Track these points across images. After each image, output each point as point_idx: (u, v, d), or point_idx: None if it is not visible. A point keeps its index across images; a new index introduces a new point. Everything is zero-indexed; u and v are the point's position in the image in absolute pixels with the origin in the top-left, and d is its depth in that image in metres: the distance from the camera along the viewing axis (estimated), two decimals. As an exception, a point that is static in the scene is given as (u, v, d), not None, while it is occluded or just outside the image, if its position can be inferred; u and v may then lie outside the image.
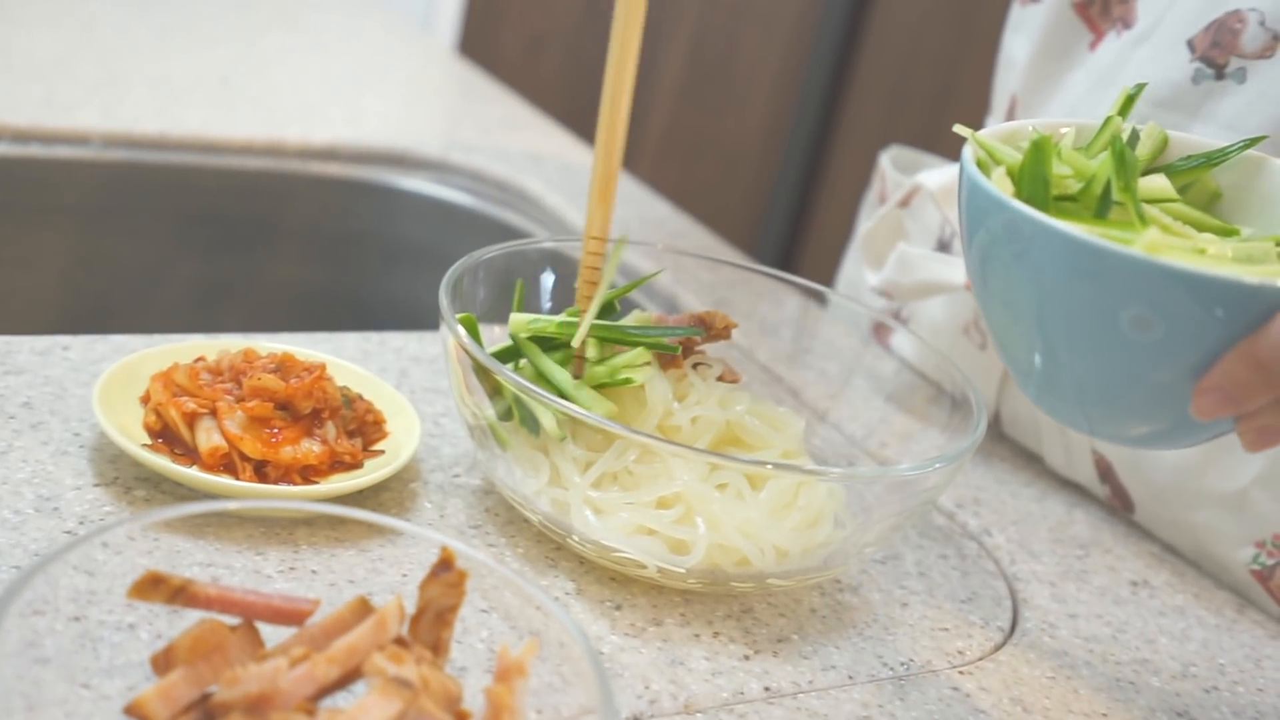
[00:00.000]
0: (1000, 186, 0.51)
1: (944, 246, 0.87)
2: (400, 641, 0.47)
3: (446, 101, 1.42)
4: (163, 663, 0.46)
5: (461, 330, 0.63)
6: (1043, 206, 0.52)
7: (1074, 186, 0.54)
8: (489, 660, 0.54)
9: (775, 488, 0.62)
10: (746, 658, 0.61)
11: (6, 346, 0.70)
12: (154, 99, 1.12)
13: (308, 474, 0.63)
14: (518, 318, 0.67)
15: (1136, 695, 0.66)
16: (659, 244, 0.84)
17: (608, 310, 0.68)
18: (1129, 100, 0.58)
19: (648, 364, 0.64)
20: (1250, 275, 0.47)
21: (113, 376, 0.65)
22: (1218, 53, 0.73)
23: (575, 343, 0.65)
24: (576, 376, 0.65)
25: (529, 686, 0.46)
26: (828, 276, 1.10)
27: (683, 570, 0.61)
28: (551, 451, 0.63)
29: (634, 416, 0.65)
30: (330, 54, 1.41)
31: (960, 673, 0.64)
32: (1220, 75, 0.73)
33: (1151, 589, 0.75)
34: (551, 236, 1.03)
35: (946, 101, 1.66)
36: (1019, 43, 0.88)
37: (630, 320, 0.68)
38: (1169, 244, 0.49)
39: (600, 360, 0.65)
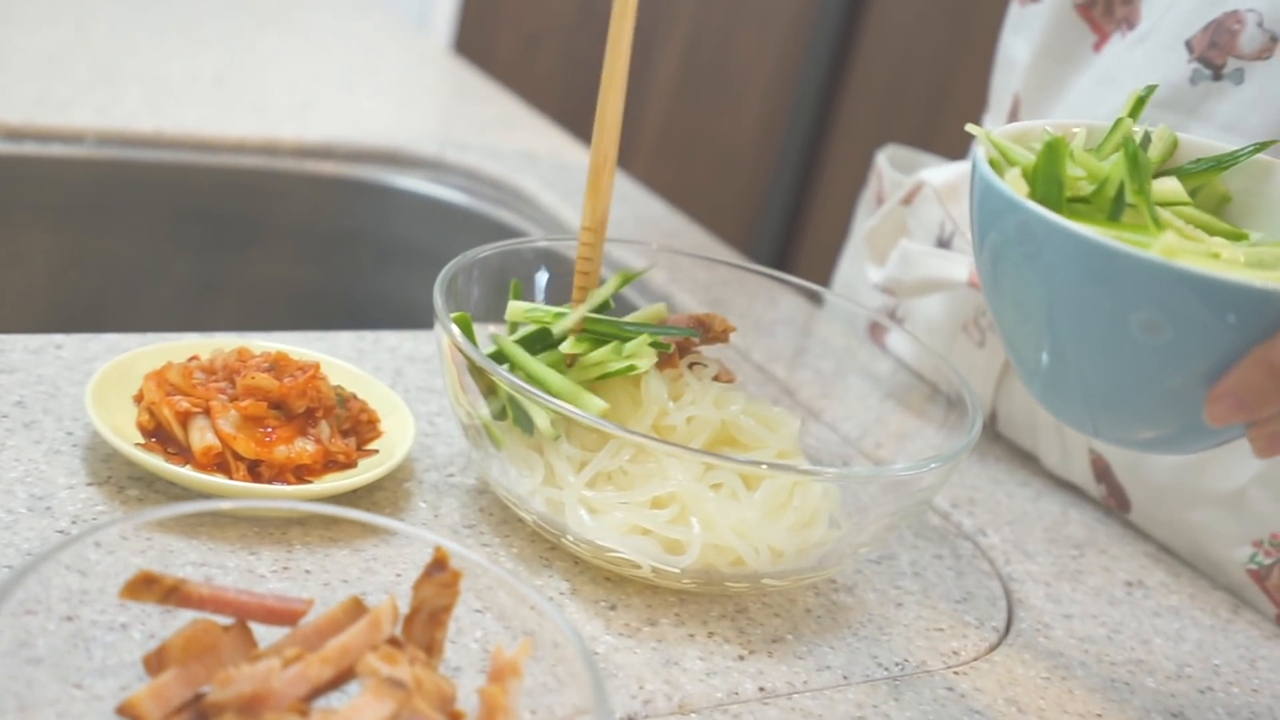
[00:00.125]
0: (1015, 187, 0.51)
1: (945, 243, 0.87)
2: (394, 642, 0.47)
3: (441, 100, 1.42)
4: (155, 663, 0.46)
5: (456, 329, 0.63)
6: (1056, 208, 0.52)
7: (1086, 188, 0.53)
8: (483, 660, 0.54)
9: (770, 488, 0.62)
10: (741, 658, 0.61)
11: (-1, 345, 0.70)
12: (148, 97, 1.11)
13: (301, 473, 0.63)
14: (515, 305, 0.67)
15: (1131, 696, 0.65)
16: (654, 243, 0.84)
17: (602, 310, 0.68)
18: (1139, 102, 0.58)
19: (651, 350, 0.64)
20: (1264, 281, 0.47)
21: (106, 375, 0.64)
22: (1216, 53, 0.73)
23: (558, 330, 0.65)
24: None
25: (523, 687, 0.46)
26: (823, 276, 1.09)
27: (677, 570, 0.61)
28: (546, 451, 0.63)
29: (629, 416, 0.64)
30: (325, 52, 1.41)
31: (955, 673, 0.64)
32: (1218, 76, 0.73)
33: (1146, 589, 0.75)
34: (546, 235, 1.03)
35: (942, 101, 1.66)
36: (1019, 43, 0.88)
37: (643, 314, 0.68)
38: (1185, 248, 0.49)
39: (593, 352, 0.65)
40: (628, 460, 0.62)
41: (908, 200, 0.88)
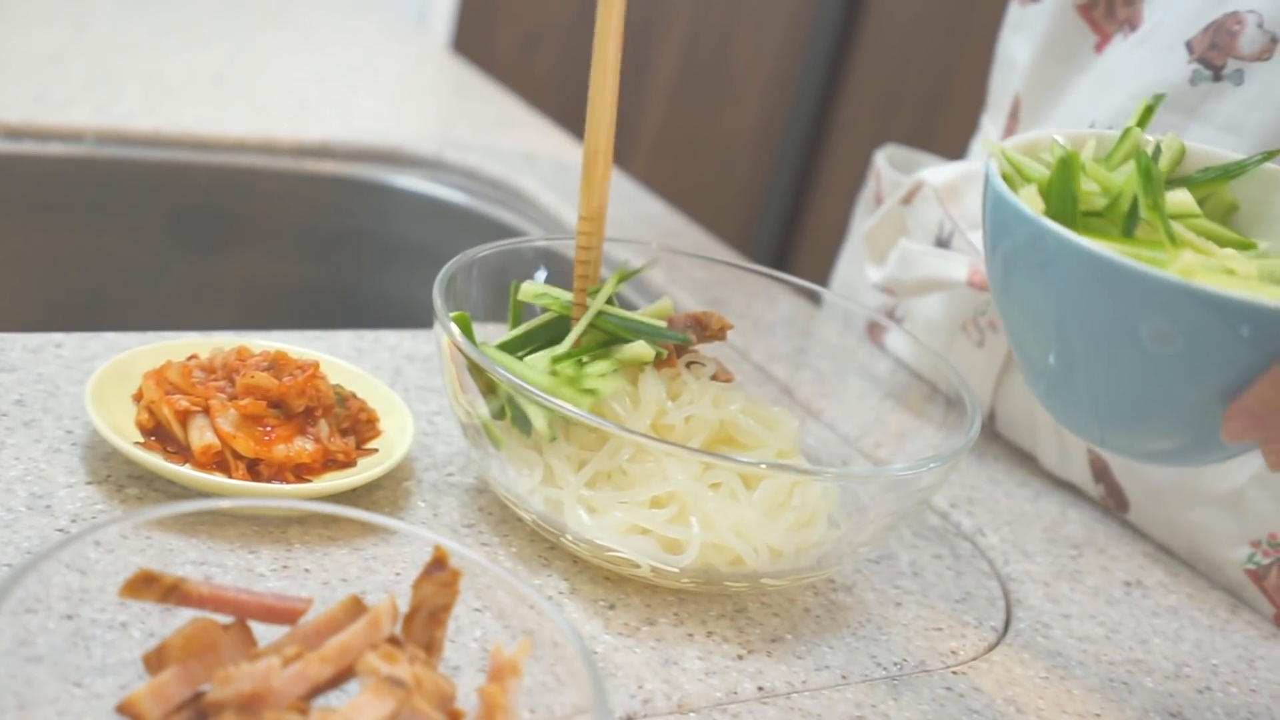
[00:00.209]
0: (1030, 204, 0.51)
1: (944, 243, 0.87)
2: (393, 640, 0.47)
3: (441, 99, 1.42)
4: (155, 661, 0.46)
5: (455, 329, 0.63)
6: (1070, 222, 0.52)
7: (1100, 202, 0.54)
8: (482, 659, 0.54)
9: (769, 487, 0.62)
10: (740, 657, 0.61)
11: (-1, 344, 0.70)
12: (147, 96, 1.11)
13: (301, 472, 0.63)
14: (529, 285, 0.67)
15: (1130, 695, 0.66)
16: (653, 242, 0.84)
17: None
18: (1148, 110, 0.58)
19: (616, 372, 0.64)
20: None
21: (105, 374, 0.64)
22: (1215, 54, 0.73)
23: (564, 347, 0.65)
24: None
25: (522, 686, 0.46)
26: (822, 275, 1.09)
27: (676, 570, 0.61)
28: (545, 450, 0.63)
29: (628, 415, 0.64)
30: (324, 51, 1.41)
31: (954, 673, 0.64)
32: (1218, 77, 0.73)
33: (1145, 589, 0.75)
34: (545, 235, 1.03)
35: (940, 102, 1.66)
36: (1019, 43, 0.88)
37: (650, 310, 0.68)
38: (1202, 265, 0.50)
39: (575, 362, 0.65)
40: (627, 460, 0.62)
41: (907, 200, 0.88)
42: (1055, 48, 0.84)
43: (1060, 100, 0.84)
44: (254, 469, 0.62)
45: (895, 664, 0.64)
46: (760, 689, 0.60)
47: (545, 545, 0.65)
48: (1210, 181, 0.57)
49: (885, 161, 0.96)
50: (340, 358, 0.74)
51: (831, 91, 1.80)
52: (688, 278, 0.97)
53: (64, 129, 1.02)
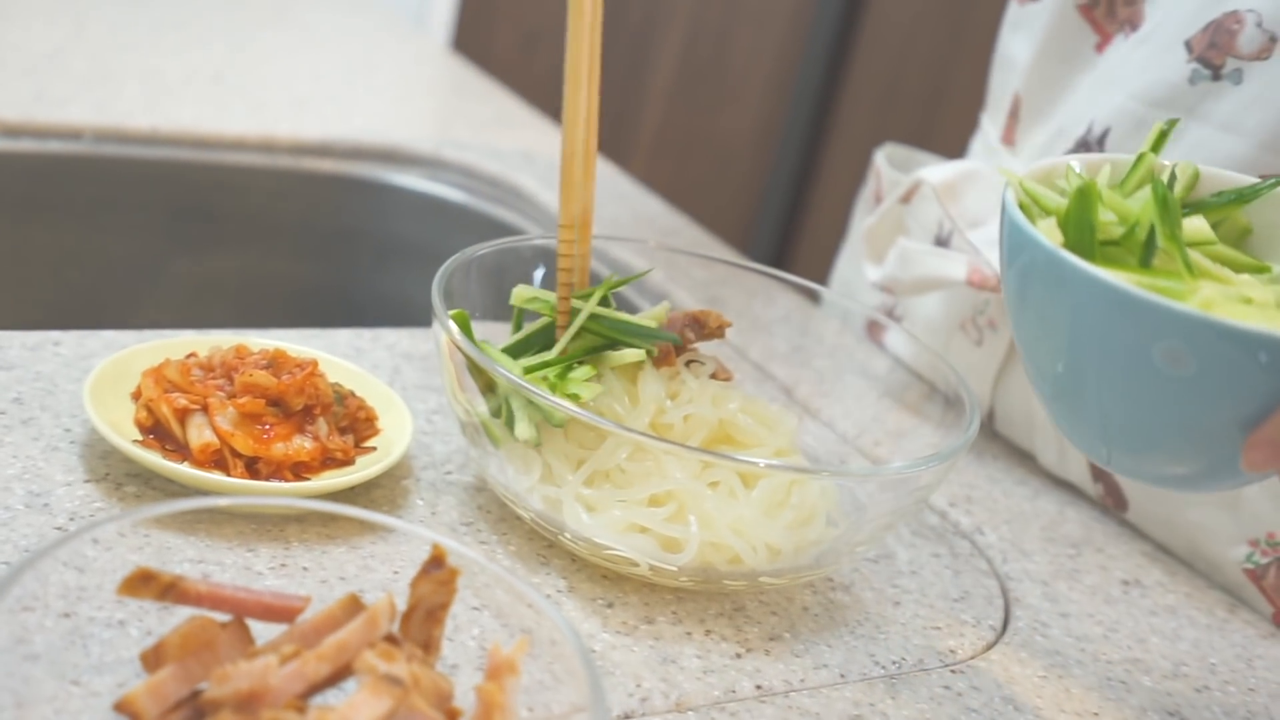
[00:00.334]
0: (1049, 236, 0.51)
1: (943, 242, 0.87)
2: (391, 639, 0.47)
3: (439, 98, 1.41)
4: (152, 660, 0.46)
5: (454, 327, 0.63)
6: (1088, 252, 0.52)
7: (1117, 231, 0.54)
8: (480, 658, 0.54)
9: (768, 486, 0.62)
10: (738, 656, 0.61)
11: (-3, 342, 0.70)
12: (146, 94, 1.11)
13: (299, 470, 0.63)
14: (521, 290, 0.67)
15: (1128, 694, 0.66)
16: (651, 241, 0.84)
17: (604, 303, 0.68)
18: (1161, 136, 0.58)
19: (595, 378, 0.64)
20: None
21: (104, 372, 0.64)
22: (1215, 53, 0.73)
23: (554, 352, 0.65)
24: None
25: (520, 684, 0.46)
26: (821, 274, 1.09)
27: (675, 568, 0.61)
28: (543, 449, 0.63)
29: (626, 414, 0.64)
30: (323, 50, 1.41)
31: (952, 671, 0.64)
32: (1217, 76, 0.73)
33: (1143, 588, 0.75)
34: (544, 233, 1.02)
35: (939, 101, 1.66)
36: (1019, 42, 0.88)
37: (647, 315, 0.68)
38: (1221, 297, 0.50)
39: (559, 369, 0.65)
40: (625, 458, 0.62)
41: (906, 199, 0.88)
42: (1056, 47, 0.84)
43: (1060, 100, 0.84)
44: (252, 467, 0.62)
45: (893, 663, 0.64)
46: (758, 688, 0.60)
47: (543, 544, 0.65)
48: (1224, 206, 0.57)
49: (885, 160, 0.96)
50: (339, 356, 0.74)
51: (830, 90, 1.80)
52: (686, 276, 0.97)
53: (62, 127, 1.02)
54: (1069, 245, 0.52)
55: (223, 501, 0.56)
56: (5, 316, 1.05)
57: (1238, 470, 0.50)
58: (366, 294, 1.17)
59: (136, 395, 0.65)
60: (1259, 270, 0.55)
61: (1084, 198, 0.53)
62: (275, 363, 0.66)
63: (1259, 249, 0.57)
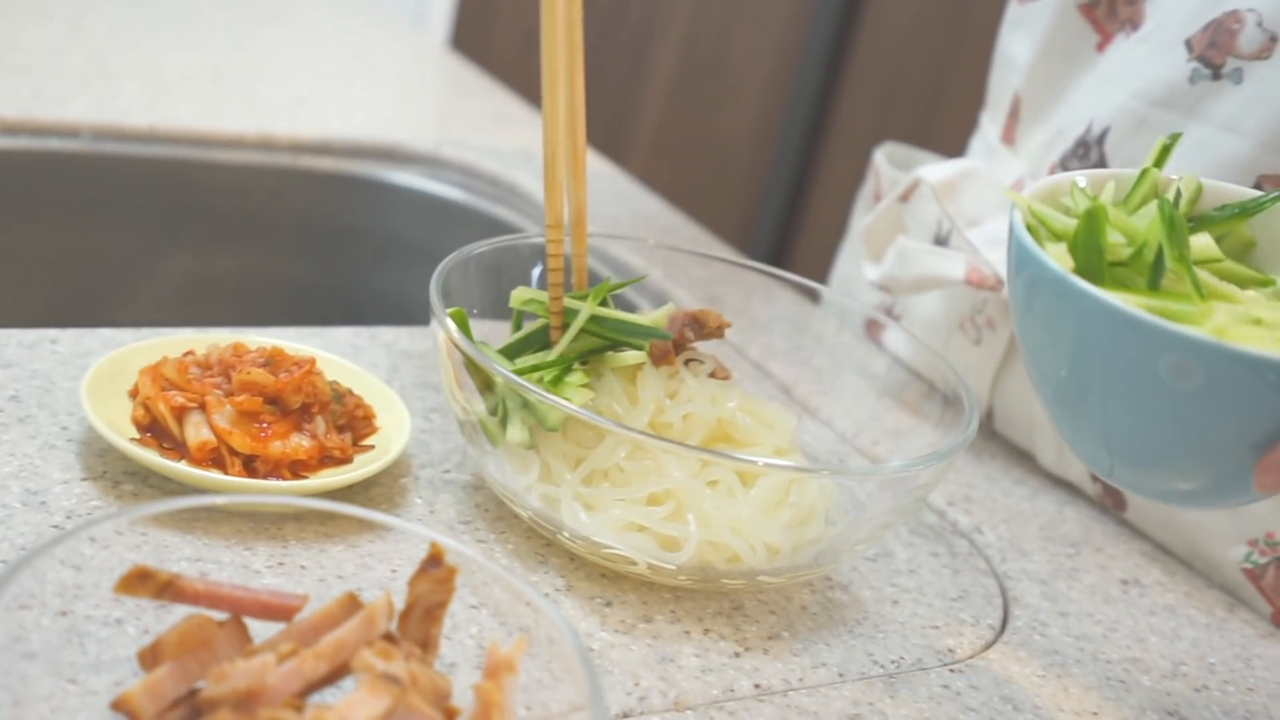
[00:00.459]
0: (1060, 262, 0.51)
1: (941, 241, 0.87)
2: (389, 637, 0.46)
3: (438, 96, 1.41)
4: (150, 658, 0.46)
5: (452, 325, 0.63)
6: (1098, 275, 0.52)
7: (1125, 252, 0.54)
8: (478, 656, 0.54)
9: (766, 485, 0.62)
10: (737, 655, 0.61)
11: (-6, 339, 0.70)
12: (144, 92, 1.11)
13: (297, 469, 0.63)
14: (519, 291, 0.67)
15: (1127, 694, 0.65)
16: (651, 240, 0.84)
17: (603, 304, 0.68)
18: (1165, 150, 0.58)
19: (586, 386, 0.64)
20: None
21: (101, 370, 0.64)
22: (1215, 53, 0.73)
23: (554, 354, 0.65)
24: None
25: (518, 683, 0.46)
26: (820, 273, 1.09)
27: (673, 567, 0.61)
28: (542, 447, 0.63)
29: (625, 413, 0.64)
30: (322, 48, 1.41)
31: (951, 670, 0.64)
32: (1217, 75, 0.73)
33: (1142, 588, 0.75)
34: (542, 231, 1.02)
35: (938, 101, 1.66)
36: (1019, 41, 0.88)
37: (658, 315, 0.67)
38: (1232, 319, 0.50)
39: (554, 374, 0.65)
40: (624, 457, 0.61)
41: (905, 197, 0.88)
42: (1056, 47, 0.84)
43: (1061, 99, 0.84)
44: (250, 465, 0.62)
45: (892, 662, 0.63)
46: (757, 686, 0.59)
47: (542, 542, 0.65)
48: (1228, 219, 0.57)
49: (884, 159, 0.95)
50: (337, 354, 0.74)
51: (830, 90, 1.80)
52: (685, 275, 0.97)
53: (61, 125, 1.02)
54: (1079, 269, 0.52)
55: (220, 500, 0.56)
56: (3, 314, 1.04)
57: (1245, 488, 0.50)
58: (365, 292, 1.17)
59: (134, 393, 0.65)
60: (1263, 284, 0.55)
61: (1092, 221, 0.53)
62: (273, 361, 0.66)
63: (1262, 262, 0.57)
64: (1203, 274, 0.53)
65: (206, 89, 1.16)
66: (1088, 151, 0.79)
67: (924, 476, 0.62)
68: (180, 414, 0.63)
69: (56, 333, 0.72)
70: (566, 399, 0.62)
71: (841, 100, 1.79)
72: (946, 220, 0.85)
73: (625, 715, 0.56)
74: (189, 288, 1.12)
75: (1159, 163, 0.58)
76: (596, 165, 1.26)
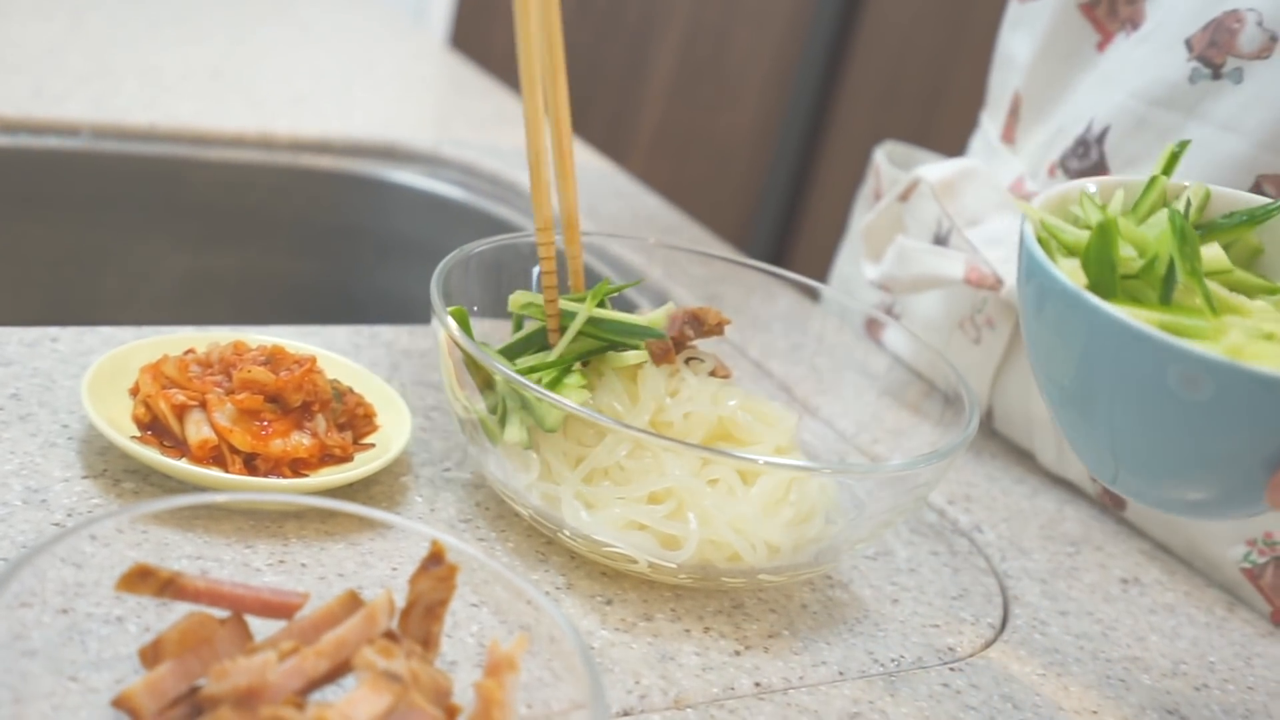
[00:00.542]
0: (1073, 278, 0.51)
1: (941, 240, 0.87)
2: (390, 635, 0.46)
3: (438, 95, 1.41)
4: (151, 656, 0.46)
5: (453, 323, 0.63)
6: (1110, 289, 0.52)
7: (1136, 265, 0.54)
8: (479, 654, 0.54)
9: (767, 483, 0.62)
10: (737, 653, 0.61)
11: (-5, 337, 0.70)
12: (144, 91, 1.11)
13: (297, 467, 0.63)
14: (517, 295, 0.67)
15: (1127, 693, 0.66)
16: (651, 239, 0.84)
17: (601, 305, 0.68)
18: (1173, 158, 0.58)
19: (584, 387, 0.64)
20: None
21: (101, 368, 0.64)
22: (1215, 52, 0.73)
23: (553, 355, 0.65)
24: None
25: (519, 681, 0.46)
26: (820, 272, 1.09)
27: (674, 565, 0.61)
28: (542, 446, 0.63)
29: (626, 411, 0.64)
30: (322, 47, 1.41)
31: (951, 669, 0.64)
32: (1217, 75, 0.73)
33: (1142, 586, 0.75)
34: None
35: (938, 100, 1.66)
36: (1019, 40, 0.88)
37: (658, 315, 0.68)
38: (1246, 336, 0.50)
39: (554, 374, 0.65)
40: (625, 455, 0.61)
41: (905, 197, 0.88)
42: (1056, 46, 0.84)
43: (1061, 98, 0.84)
44: (250, 464, 0.62)
45: (892, 660, 0.64)
46: (757, 685, 0.59)
47: (542, 540, 0.65)
48: (1236, 227, 0.57)
49: (884, 158, 0.95)
50: (337, 353, 0.74)
51: (829, 89, 1.80)
52: (685, 274, 0.97)
53: (60, 123, 1.02)
54: (1091, 285, 0.52)
55: (221, 498, 0.56)
56: (3, 312, 1.04)
57: (1253, 501, 0.50)
58: (365, 291, 1.17)
59: (134, 391, 0.65)
60: (1271, 291, 0.55)
61: (1104, 235, 0.53)
62: (273, 359, 0.66)
63: (1270, 269, 0.57)
64: (1212, 285, 0.53)
65: (206, 87, 1.16)
66: (1087, 151, 0.79)
67: (924, 475, 0.62)
68: (181, 412, 0.63)
69: (57, 331, 0.72)
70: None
71: (841, 100, 1.79)
72: (946, 219, 0.85)
73: (626, 713, 0.56)
74: (189, 286, 1.12)
75: (1167, 170, 0.58)
76: (596, 164, 1.26)
